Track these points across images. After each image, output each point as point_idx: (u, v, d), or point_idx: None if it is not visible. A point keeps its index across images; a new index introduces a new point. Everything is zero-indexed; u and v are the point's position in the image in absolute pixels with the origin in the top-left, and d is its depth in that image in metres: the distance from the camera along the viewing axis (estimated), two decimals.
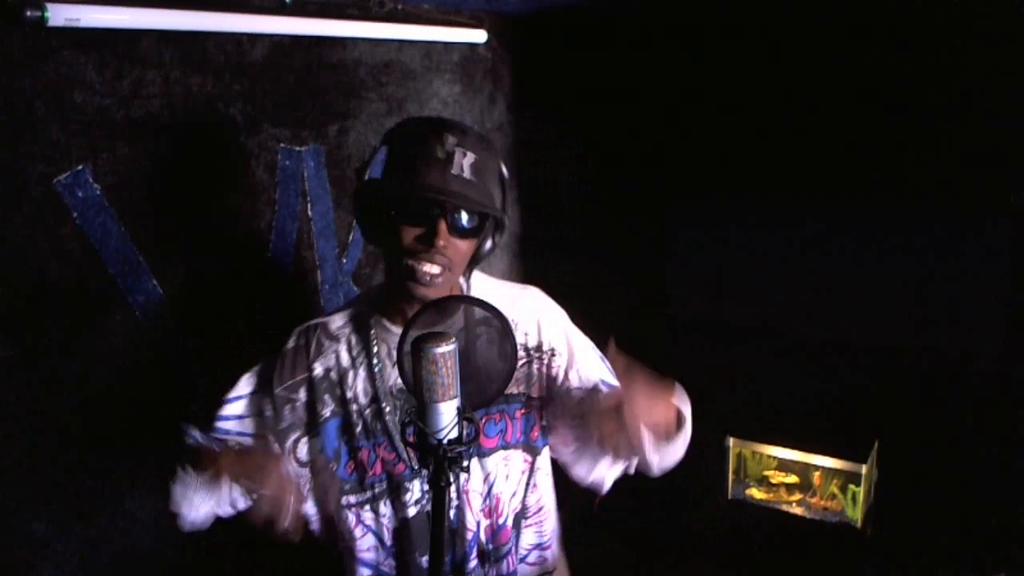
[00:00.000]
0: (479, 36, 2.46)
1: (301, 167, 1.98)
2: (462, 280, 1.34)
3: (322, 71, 2.01)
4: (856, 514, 2.26)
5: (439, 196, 1.15)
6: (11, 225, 1.42)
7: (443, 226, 1.17)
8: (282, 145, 1.92)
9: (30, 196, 1.44)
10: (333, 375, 1.31)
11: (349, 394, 1.29)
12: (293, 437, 1.31)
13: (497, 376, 1.09)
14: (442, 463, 0.96)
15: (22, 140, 1.42)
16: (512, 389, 1.31)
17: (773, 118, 2.34)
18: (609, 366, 1.36)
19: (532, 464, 1.37)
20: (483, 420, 1.29)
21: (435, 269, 1.18)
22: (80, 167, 1.51)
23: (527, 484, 1.37)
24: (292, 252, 1.98)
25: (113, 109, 1.55)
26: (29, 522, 1.49)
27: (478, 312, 1.10)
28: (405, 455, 1.29)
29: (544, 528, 1.42)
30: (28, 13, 1.32)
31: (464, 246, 1.22)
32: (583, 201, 2.75)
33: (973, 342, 2.16)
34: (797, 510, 2.34)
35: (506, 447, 1.33)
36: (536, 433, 1.37)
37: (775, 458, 2.42)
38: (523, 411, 1.34)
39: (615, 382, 1.33)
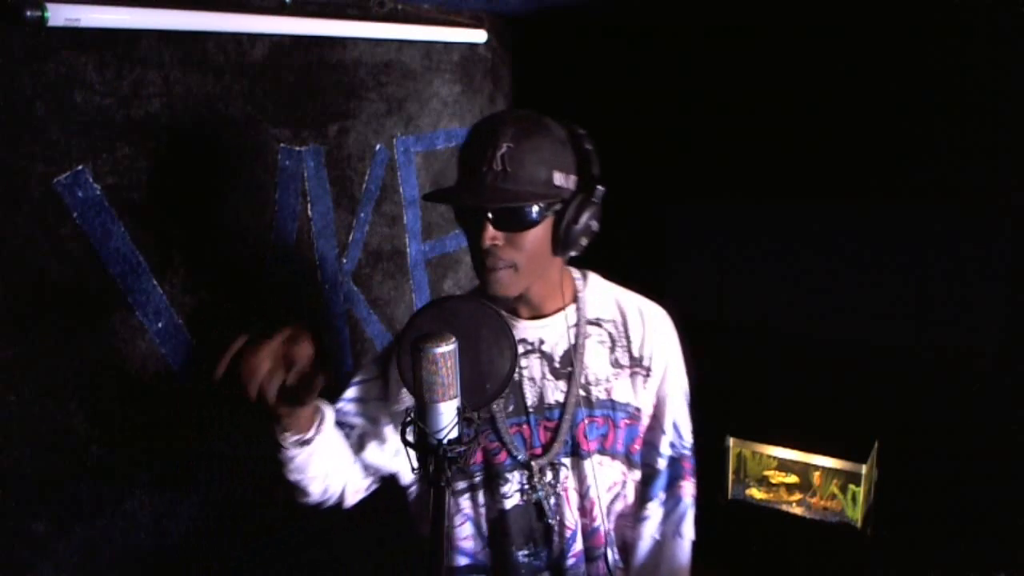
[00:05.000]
0: (479, 36, 2.46)
1: (301, 167, 1.97)
2: (577, 277, 1.35)
3: (322, 71, 2.01)
4: (856, 514, 2.25)
5: (473, 202, 1.16)
6: (11, 225, 1.42)
7: (488, 227, 1.16)
8: (282, 145, 1.92)
9: (30, 196, 1.44)
10: None
11: None
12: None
13: (497, 375, 1.09)
14: (442, 463, 0.96)
15: (22, 140, 1.42)
16: (620, 397, 1.32)
17: (773, 118, 2.33)
18: (685, 429, 1.36)
19: (627, 477, 1.36)
20: (586, 422, 1.30)
21: (497, 265, 1.19)
22: (80, 167, 1.51)
23: (617, 495, 1.36)
24: (292, 252, 1.98)
25: (113, 109, 1.55)
26: (29, 522, 1.49)
27: (479, 312, 1.09)
28: (511, 445, 1.29)
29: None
30: (28, 13, 1.32)
31: (525, 239, 1.18)
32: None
33: (973, 342, 2.16)
34: (797, 510, 2.34)
35: (603, 453, 1.32)
36: (637, 447, 1.35)
37: (775, 458, 2.42)
38: (628, 422, 1.33)
39: (665, 450, 1.35)
